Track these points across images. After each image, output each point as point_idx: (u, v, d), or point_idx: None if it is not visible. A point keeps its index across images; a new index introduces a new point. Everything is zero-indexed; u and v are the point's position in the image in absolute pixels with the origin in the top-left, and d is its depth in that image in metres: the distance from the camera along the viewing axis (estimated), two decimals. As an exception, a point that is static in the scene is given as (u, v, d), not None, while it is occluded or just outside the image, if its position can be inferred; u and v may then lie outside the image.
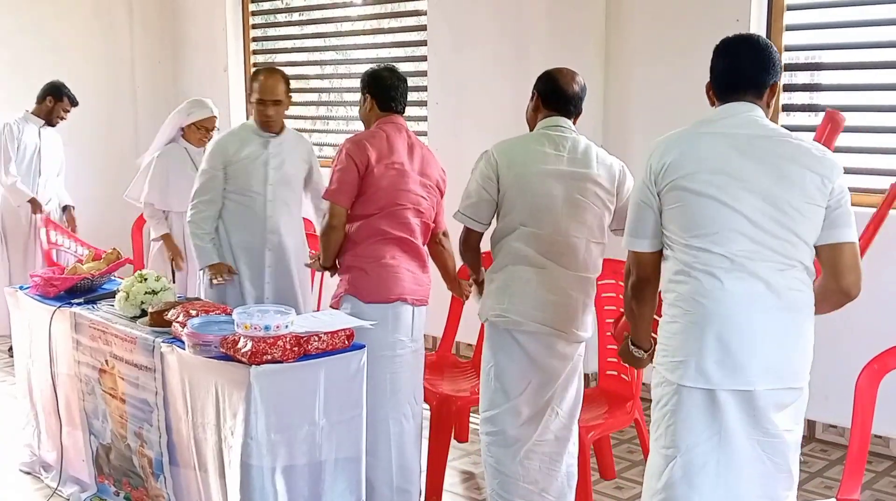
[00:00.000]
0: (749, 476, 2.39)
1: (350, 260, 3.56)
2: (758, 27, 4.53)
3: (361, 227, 3.52)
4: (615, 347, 3.70)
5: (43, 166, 5.96)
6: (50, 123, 5.92)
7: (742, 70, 2.43)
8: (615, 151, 5.04)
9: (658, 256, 2.49)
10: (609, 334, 3.78)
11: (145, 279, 3.57)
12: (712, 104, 2.50)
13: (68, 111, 5.94)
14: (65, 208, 6.05)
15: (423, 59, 5.91)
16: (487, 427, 3.32)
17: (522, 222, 3.21)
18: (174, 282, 4.88)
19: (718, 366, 2.33)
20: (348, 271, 3.57)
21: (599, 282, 3.40)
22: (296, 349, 2.99)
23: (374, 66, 3.69)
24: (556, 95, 3.30)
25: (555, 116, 3.29)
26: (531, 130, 3.36)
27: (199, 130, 4.91)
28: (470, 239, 3.34)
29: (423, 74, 5.87)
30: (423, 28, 5.96)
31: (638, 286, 2.55)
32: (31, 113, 5.91)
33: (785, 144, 2.38)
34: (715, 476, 2.37)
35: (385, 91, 3.57)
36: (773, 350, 2.35)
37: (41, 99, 5.89)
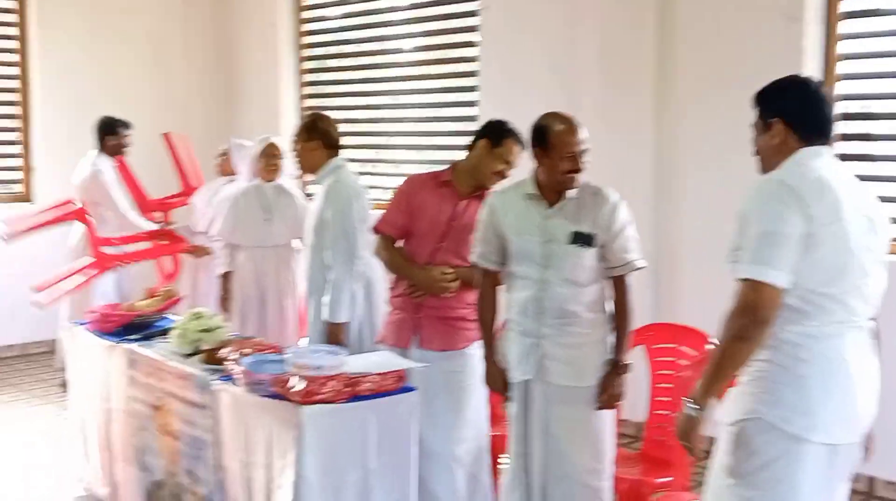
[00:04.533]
0: None
1: None
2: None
3: None
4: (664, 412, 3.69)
5: None
6: (119, 155, 6.07)
7: (831, 118, 2.48)
8: (666, 195, 5.09)
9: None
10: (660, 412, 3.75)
11: (200, 317, 3.63)
12: (780, 142, 2.44)
13: (128, 137, 6.08)
14: None
15: (474, 104, 5.98)
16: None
17: None
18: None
19: (844, 420, 2.35)
20: None
21: (654, 347, 3.48)
22: (347, 389, 3.01)
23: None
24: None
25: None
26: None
27: (262, 159, 5.03)
28: None
29: (472, 119, 5.93)
30: (473, 75, 6.04)
31: (757, 327, 2.27)
32: (101, 152, 6.03)
33: (868, 196, 2.47)
34: None
35: None
36: (874, 401, 2.44)
37: (101, 140, 6.02)
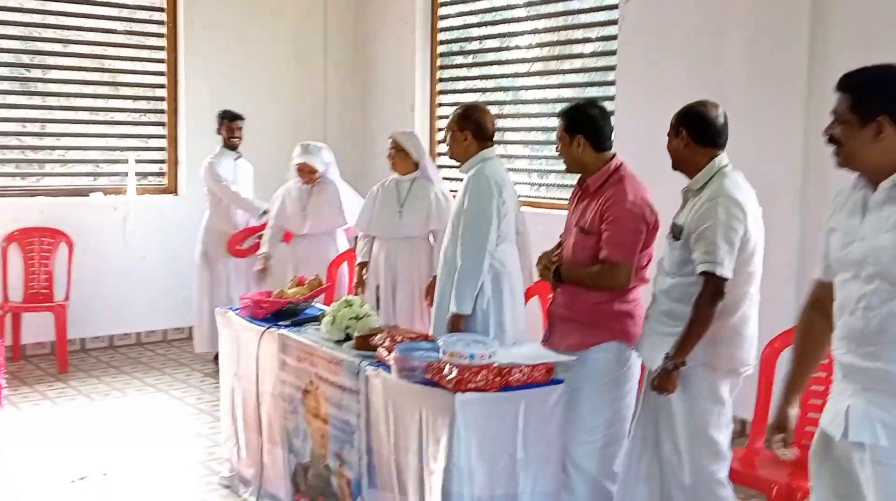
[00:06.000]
0: None
1: (618, 306, 3.51)
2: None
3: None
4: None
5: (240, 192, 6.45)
6: (233, 147, 6.39)
7: None
8: (815, 191, 4.89)
9: None
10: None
11: (350, 305, 3.71)
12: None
13: (238, 128, 6.38)
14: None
15: (611, 99, 5.92)
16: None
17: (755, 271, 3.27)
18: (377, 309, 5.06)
19: None
20: (614, 318, 3.52)
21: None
22: (498, 379, 3.03)
23: (574, 103, 3.68)
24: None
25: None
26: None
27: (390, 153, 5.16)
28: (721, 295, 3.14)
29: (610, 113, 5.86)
30: (610, 69, 5.99)
31: None
32: (223, 146, 6.41)
33: None
34: None
35: (603, 130, 3.58)
36: None
37: (217, 131, 6.41)
